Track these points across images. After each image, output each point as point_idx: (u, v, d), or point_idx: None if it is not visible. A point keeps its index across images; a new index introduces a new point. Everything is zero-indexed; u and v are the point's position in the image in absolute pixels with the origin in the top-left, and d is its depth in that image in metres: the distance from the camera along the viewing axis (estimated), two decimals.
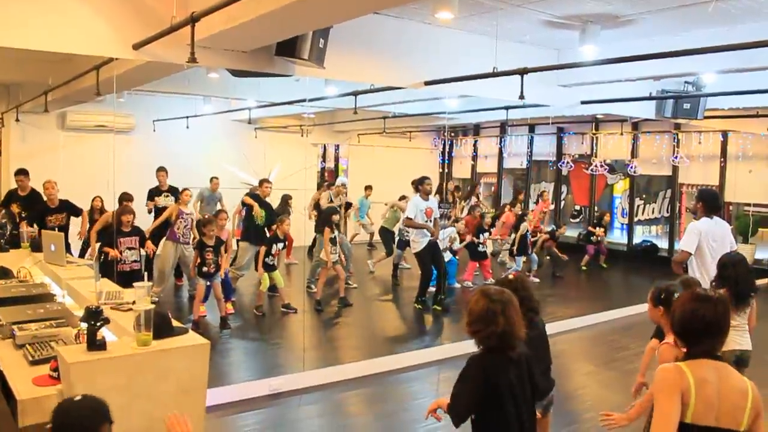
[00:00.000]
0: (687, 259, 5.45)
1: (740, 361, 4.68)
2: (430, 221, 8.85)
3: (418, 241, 8.82)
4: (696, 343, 2.45)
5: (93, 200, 9.48)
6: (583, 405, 5.71)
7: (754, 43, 4.49)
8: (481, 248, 10.62)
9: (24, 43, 4.62)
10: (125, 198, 8.33)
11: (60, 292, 5.06)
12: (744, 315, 4.68)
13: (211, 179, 11.11)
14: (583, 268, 12.58)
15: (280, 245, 8.55)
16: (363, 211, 13.17)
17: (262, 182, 9.50)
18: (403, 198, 11.34)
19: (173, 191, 9.73)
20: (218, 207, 10.73)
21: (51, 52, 4.93)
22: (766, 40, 4.39)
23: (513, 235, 11.38)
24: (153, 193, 9.80)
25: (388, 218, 11.61)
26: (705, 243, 5.41)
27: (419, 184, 8.95)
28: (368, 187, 13.55)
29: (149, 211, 9.64)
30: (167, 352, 3.33)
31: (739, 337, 4.69)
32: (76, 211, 8.75)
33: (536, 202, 13.74)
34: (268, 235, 8.95)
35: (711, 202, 5.61)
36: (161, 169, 9.92)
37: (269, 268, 8.39)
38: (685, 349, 2.49)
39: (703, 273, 5.49)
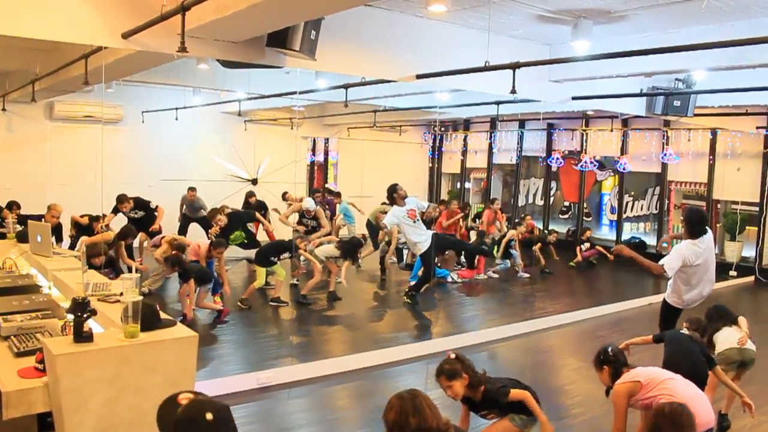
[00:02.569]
0: (661, 274, 5.43)
1: (744, 363, 4.83)
2: (418, 220, 8.84)
3: (421, 242, 8.79)
4: None
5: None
6: (571, 400, 5.73)
7: (745, 41, 4.50)
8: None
9: (10, 30, 4.54)
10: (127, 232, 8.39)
11: (46, 284, 5.00)
12: (742, 327, 4.99)
13: (188, 189, 11.16)
14: (572, 264, 12.62)
15: (288, 254, 8.68)
16: (349, 216, 12.99)
17: (213, 213, 9.55)
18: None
19: (142, 206, 9.67)
20: (202, 213, 10.73)
21: (38, 40, 4.86)
22: (757, 38, 4.40)
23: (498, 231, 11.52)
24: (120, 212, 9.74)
25: (373, 213, 11.71)
26: (688, 266, 5.39)
27: (392, 194, 8.91)
28: (338, 195, 13.44)
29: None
30: (155, 344, 3.30)
31: (723, 339, 4.86)
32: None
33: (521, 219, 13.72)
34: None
35: (694, 226, 5.44)
36: (123, 199, 9.62)
37: (269, 263, 8.46)
38: None
39: (681, 288, 5.53)
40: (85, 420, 3.02)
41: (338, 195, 13.30)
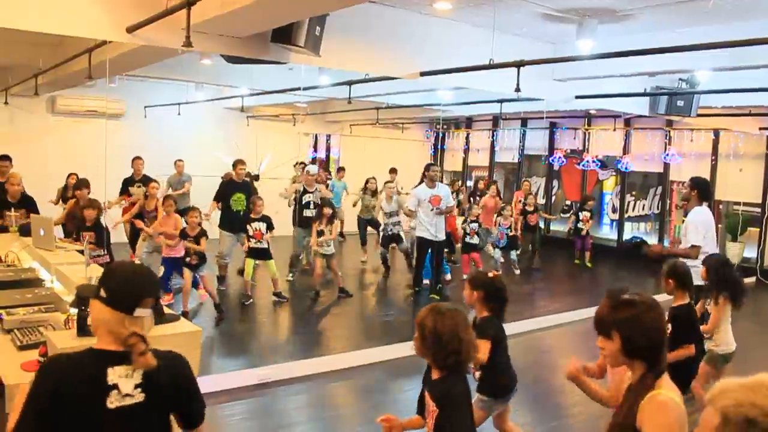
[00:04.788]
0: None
1: (728, 359, 4.85)
2: (439, 209, 8.73)
3: (423, 229, 8.76)
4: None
5: (68, 177, 9.41)
6: (571, 399, 5.72)
7: (749, 41, 4.49)
8: (468, 239, 10.54)
9: (15, 23, 4.54)
10: (83, 185, 7.75)
11: (49, 277, 5.00)
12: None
13: (176, 162, 11.18)
14: (577, 261, 12.59)
15: (260, 225, 8.17)
16: (337, 195, 12.79)
17: (236, 164, 9.35)
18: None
19: (146, 181, 9.60)
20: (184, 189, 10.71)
21: (42, 33, 4.86)
22: (761, 38, 4.39)
23: (497, 220, 11.36)
24: (127, 183, 9.75)
25: (361, 207, 11.83)
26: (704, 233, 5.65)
27: (425, 171, 8.86)
28: (341, 169, 13.28)
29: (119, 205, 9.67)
30: (158, 338, 3.25)
31: (731, 338, 4.84)
32: (35, 210, 7.42)
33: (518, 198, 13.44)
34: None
35: (706, 190, 5.89)
36: (138, 158, 9.91)
37: (258, 254, 8.21)
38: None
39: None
40: None
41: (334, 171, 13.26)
